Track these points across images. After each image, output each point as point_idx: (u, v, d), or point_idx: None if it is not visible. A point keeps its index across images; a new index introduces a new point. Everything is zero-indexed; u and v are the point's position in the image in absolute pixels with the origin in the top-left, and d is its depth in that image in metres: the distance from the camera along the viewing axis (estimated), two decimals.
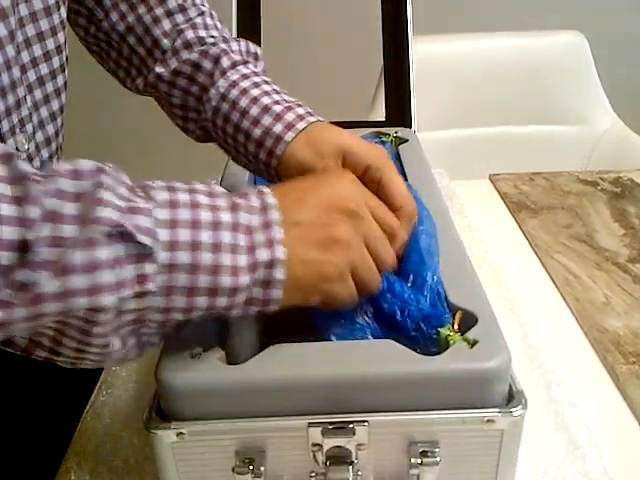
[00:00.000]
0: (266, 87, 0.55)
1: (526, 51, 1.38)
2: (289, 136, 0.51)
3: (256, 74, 0.56)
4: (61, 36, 0.51)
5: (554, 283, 0.76)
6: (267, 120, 0.52)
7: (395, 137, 0.72)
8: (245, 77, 0.55)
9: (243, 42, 0.59)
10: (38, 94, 0.50)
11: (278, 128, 0.52)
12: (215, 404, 0.40)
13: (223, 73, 0.56)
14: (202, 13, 0.59)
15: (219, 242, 0.37)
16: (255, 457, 0.41)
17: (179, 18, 0.58)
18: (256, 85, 0.55)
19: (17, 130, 0.48)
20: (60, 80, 0.52)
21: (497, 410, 0.40)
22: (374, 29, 0.83)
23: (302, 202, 0.41)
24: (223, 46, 0.57)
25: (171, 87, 0.58)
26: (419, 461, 0.41)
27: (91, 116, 1.70)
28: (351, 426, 0.40)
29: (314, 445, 0.41)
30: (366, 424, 0.40)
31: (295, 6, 1.97)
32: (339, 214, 0.42)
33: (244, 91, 0.54)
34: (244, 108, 0.53)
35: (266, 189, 0.41)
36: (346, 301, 0.43)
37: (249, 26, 0.80)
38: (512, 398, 0.41)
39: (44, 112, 0.51)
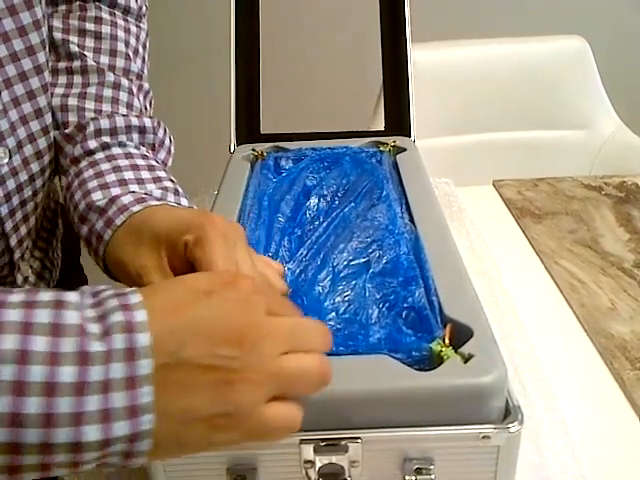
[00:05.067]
0: (109, 177, 0.50)
1: (528, 56, 1.37)
2: (107, 234, 0.46)
3: (110, 158, 0.51)
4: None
5: (559, 289, 0.75)
6: (93, 217, 0.48)
7: (393, 146, 0.72)
8: (92, 165, 0.51)
9: (121, 118, 0.54)
10: (27, 108, 0.50)
11: (99, 225, 0.47)
12: None
13: (75, 161, 0.52)
14: (102, 83, 0.55)
15: (51, 413, 0.29)
16: (247, 475, 0.41)
17: (77, 79, 0.55)
18: (98, 175, 0.50)
19: None
20: (49, 95, 0.52)
21: (493, 426, 0.40)
22: (378, 38, 0.82)
23: (189, 334, 0.32)
24: (90, 127, 0.52)
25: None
26: (413, 478, 0.40)
27: None
28: (344, 443, 0.40)
29: (306, 462, 0.40)
30: (359, 441, 0.40)
31: (297, 15, 1.98)
32: (235, 350, 0.33)
33: (82, 182, 0.50)
34: (76, 202, 0.50)
35: (139, 313, 0.32)
36: (278, 432, 0.36)
37: (247, 38, 0.80)
38: (508, 413, 0.41)
39: (35, 126, 0.51)
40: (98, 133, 0.53)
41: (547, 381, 0.61)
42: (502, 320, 0.68)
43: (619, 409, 0.59)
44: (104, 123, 0.53)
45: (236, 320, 0.34)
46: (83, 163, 0.52)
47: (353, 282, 0.50)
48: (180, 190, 0.52)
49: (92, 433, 0.29)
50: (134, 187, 0.49)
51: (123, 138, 0.54)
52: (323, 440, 0.40)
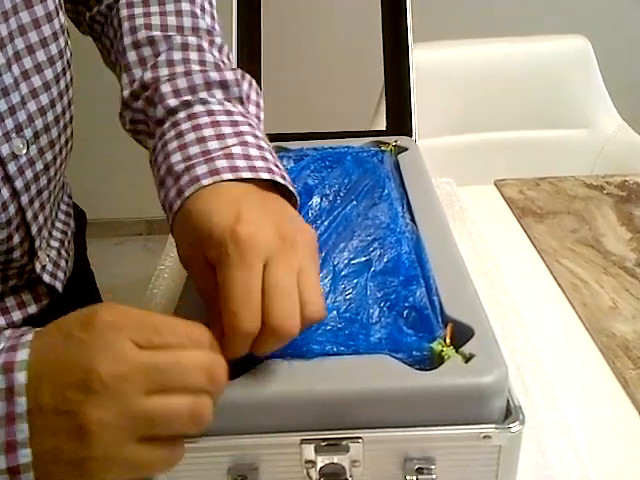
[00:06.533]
0: (189, 136, 0.48)
1: (530, 56, 1.37)
2: (176, 205, 0.45)
3: (192, 117, 0.49)
4: (62, 41, 0.52)
5: (561, 288, 0.75)
6: (169, 183, 0.46)
7: (394, 146, 0.72)
8: (174, 125, 0.50)
9: (199, 75, 0.52)
10: (44, 99, 0.51)
11: (172, 194, 0.46)
12: None
13: (159, 122, 0.51)
14: (171, 47, 0.54)
15: None
16: (248, 474, 0.41)
17: (146, 51, 0.54)
18: (178, 136, 0.48)
19: (13, 135, 0.48)
20: (62, 84, 0.53)
21: (494, 426, 0.40)
22: (379, 39, 0.83)
23: (45, 379, 0.34)
24: (166, 88, 0.51)
25: (135, 134, 0.55)
26: (415, 478, 0.40)
27: (96, 116, 1.71)
28: (344, 443, 0.40)
29: (307, 462, 0.40)
30: (360, 441, 0.40)
31: (299, 15, 1.98)
32: (84, 394, 0.33)
33: (164, 144, 0.49)
34: (159, 166, 0.48)
35: (22, 353, 0.34)
36: (153, 470, 0.36)
37: (249, 37, 0.80)
38: (510, 413, 0.41)
39: (50, 116, 0.52)
40: (177, 93, 0.51)
41: (550, 381, 0.61)
42: (504, 320, 0.68)
43: (621, 408, 0.59)
44: (181, 82, 0.51)
45: (83, 362, 0.33)
46: (167, 124, 0.50)
47: (354, 281, 0.50)
48: (265, 145, 0.49)
49: None
50: (213, 144, 0.47)
51: (205, 95, 0.51)
52: (324, 440, 0.40)
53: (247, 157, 0.46)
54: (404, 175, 0.66)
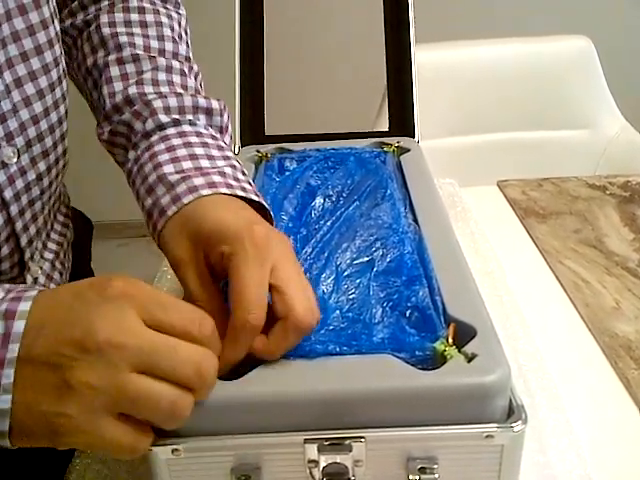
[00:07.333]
0: (181, 152, 0.49)
1: (533, 56, 1.37)
2: (172, 210, 0.45)
3: (182, 134, 0.51)
4: (57, 49, 0.52)
5: (563, 288, 0.75)
6: (160, 190, 0.47)
7: (397, 147, 0.72)
8: (164, 139, 0.51)
9: (189, 97, 0.54)
10: (38, 107, 0.51)
11: (165, 200, 0.46)
12: (211, 420, 0.40)
13: (146, 135, 0.52)
14: (155, 67, 0.56)
15: None
16: (251, 474, 0.40)
17: (130, 68, 0.56)
18: (170, 149, 0.49)
19: (3, 143, 0.48)
20: (58, 92, 0.53)
21: (496, 425, 0.40)
22: (382, 39, 0.83)
23: (43, 331, 0.35)
24: (157, 104, 0.53)
25: (111, 146, 0.56)
26: (417, 477, 0.40)
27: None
28: (347, 442, 0.40)
29: (310, 462, 0.40)
30: (363, 440, 0.40)
31: (301, 17, 1.98)
32: (78, 352, 0.34)
33: (153, 155, 0.49)
34: (146, 174, 0.49)
35: (24, 304, 0.36)
36: (119, 449, 0.36)
37: (252, 39, 0.80)
38: (512, 413, 0.41)
39: (43, 125, 0.51)
40: (167, 110, 0.53)
41: (552, 380, 0.61)
42: (506, 320, 0.68)
43: (624, 408, 0.59)
44: (172, 101, 0.53)
45: (86, 322, 0.34)
46: (154, 137, 0.51)
47: (357, 281, 0.50)
48: (246, 173, 0.51)
49: None
50: (205, 162, 0.49)
51: (191, 117, 0.53)
52: (327, 439, 0.40)
53: (236, 179, 0.48)
54: (406, 176, 0.66)
